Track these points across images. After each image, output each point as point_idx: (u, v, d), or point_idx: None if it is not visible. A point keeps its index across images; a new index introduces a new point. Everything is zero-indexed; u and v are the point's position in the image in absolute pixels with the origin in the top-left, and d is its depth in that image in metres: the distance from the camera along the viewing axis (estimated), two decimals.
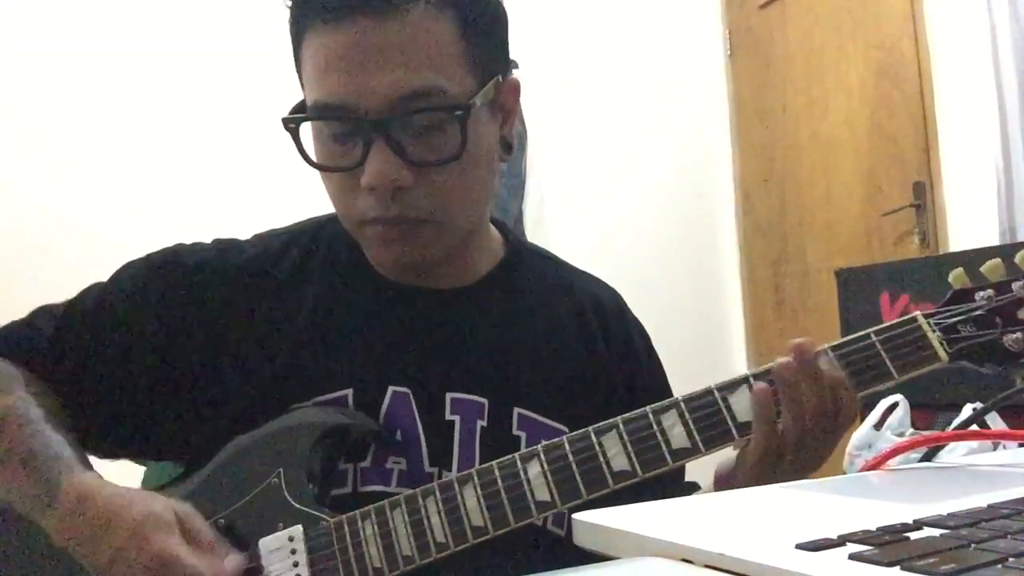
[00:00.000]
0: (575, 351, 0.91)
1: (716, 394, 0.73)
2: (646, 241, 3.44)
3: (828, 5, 3.25)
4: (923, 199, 2.89)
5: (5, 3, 2.63)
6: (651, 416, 0.73)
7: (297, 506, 0.76)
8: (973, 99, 2.68)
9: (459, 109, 0.77)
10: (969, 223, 2.73)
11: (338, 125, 0.79)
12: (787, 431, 0.72)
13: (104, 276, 0.91)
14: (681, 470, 0.88)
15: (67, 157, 2.66)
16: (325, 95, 0.77)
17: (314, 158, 0.82)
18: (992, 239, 2.56)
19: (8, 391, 0.81)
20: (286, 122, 0.80)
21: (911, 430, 2.00)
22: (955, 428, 0.97)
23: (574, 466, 0.72)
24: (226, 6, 2.82)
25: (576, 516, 0.53)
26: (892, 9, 3.00)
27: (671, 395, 0.96)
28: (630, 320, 0.99)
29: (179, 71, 2.76)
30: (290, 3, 0.80)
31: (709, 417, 0.72)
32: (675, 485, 0.92)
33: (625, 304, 1.00)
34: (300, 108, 0.82)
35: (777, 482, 0.72)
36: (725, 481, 0.80)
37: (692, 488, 0.94)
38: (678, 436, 0.72)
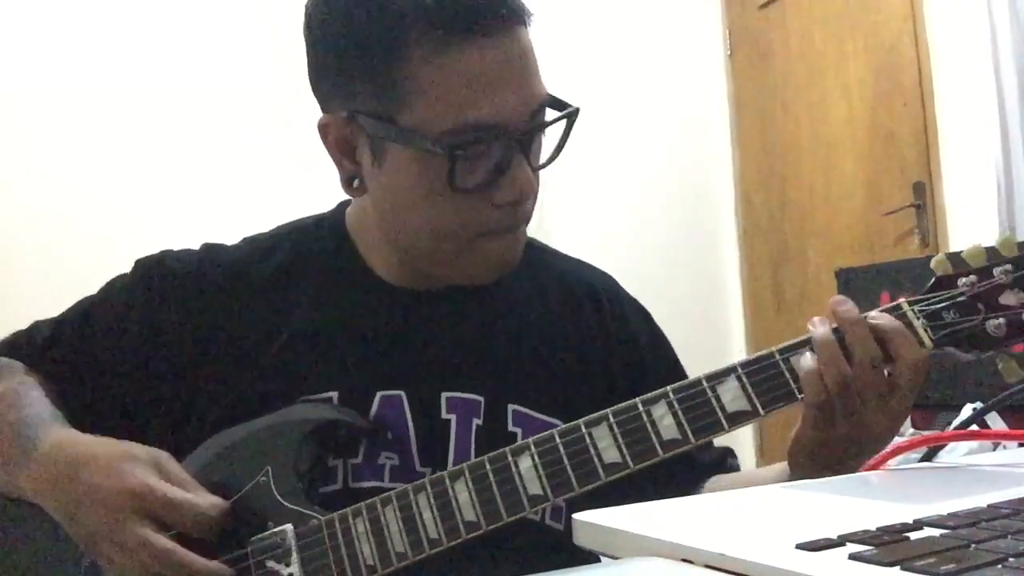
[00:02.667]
0: (570, 343, 0.91)
1: (704, 384, 0.73)
2: (646, 241, 3.44)
3: (828, 5, 3.25)
4: (923, 199, 2.89)
5: (5, 5, 2.63)
6: (641, 407, 0.72)
7: (287, 504, 0.76)
8: (973, 99, 2.68)
9: (575, 113, 0.80)
10: (969, 223, 2.73)
11: (481, 143, 0.75)
12: (835, 393, 0.70)
13: (99, 286, 0.91)
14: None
15: (66, 162, 2.66)
16: (474, 116, 0.74)
17: (418, 181, 0.77)
18: (992, 239, 2.55)
19: (7, 378, 0.84)
20: (452, 148, 0.73)
21: (911, 430, 2.00)
22: (955, 428, 0.97)
23: (565, 459, 0.72)
24: (224, 10, 2.82)
25: (576, 516, 0.53)
26: (892, 9, 2.99)
27: (682, 369, 0.96)
28: (625, 302, 0.98)
29: (178, 72, 2.76)
30: (391, 22, 0.73)
31: (698, 408, 0.72)
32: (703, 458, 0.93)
33: (619, 287, 0.99)
34: (382, 118, 0.76)
35: (837, 464, 0.73)
36: (793, 457, 0.78)
37: (725, 456, 0.95)
38: (668, 427, 0.72)
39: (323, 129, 0.81)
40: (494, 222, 0.79)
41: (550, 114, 0.80)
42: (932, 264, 0.73)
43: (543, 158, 0.82)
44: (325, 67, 0.79)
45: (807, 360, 0.71)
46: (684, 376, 0.95)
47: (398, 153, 0.77)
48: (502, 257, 0.83)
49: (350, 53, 0.76)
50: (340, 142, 0.81)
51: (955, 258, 0.73)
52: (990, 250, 0.73)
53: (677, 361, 0.98)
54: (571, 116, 0.80)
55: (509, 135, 0.75)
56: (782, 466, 0.82)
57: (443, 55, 0.73)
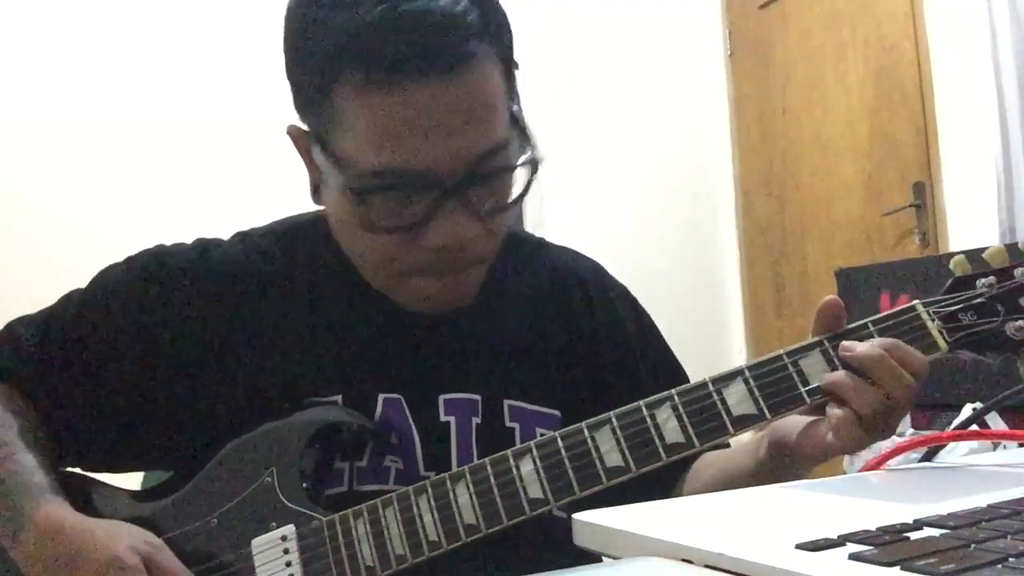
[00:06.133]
0: (561, 334, 0.91)
1: (711, 387, 0.72)
2: (646, 241, 3.44)
3: (828, 5, 3.24)
4: (923, 199, 2.89)
5: (5, 6, 2.63)
6: (645, 410, 0.72)
7: (290, 505, 0.76)
8: (973, 99, 2.68)
9: (532, 163, 0.78)
10: (969, 223, 2.73)
11: (395, 189, 0.74)
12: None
13: (86, 278, 0.89)
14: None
15: (65, 162, 2.66)
16: (393, 161, 0.72)
17: (347, 211, 0.77)
18: (992, 239, 2.56)
19: None
20: (359, 191, 0.74)
21: (911, 430, 2.00)
22: (955, 428, 0.97)
23: (567, 462, 0.71)
24: (224, 10, 2.82)
25: (576, 516, 0.53)
26: (892, 9, 2.99)
27: (670, 354, 0.96)
28: (611, 287, 0.97)
29: (178, 71, 2.77)
30: (321, 55, 0.73)
31: (703, 411, 0.71)
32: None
33: (606, 273, 0.99)
34: (322, 144, 0.77)
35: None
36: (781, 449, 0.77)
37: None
38: (672, 430, 0.71)
39: (290, 136, 0.83)
40: (427, 263, 0.78)
41: (503, 160, 0.77)
42: (951, 264, 0.71)
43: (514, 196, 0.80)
44: (289, 79, 0.80)
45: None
46: (673, 359, 0.96)
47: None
48: (441, 296, 0.81)
49: (296, 76, 0.78)
50: (303, 152, 0.83)
51: (975, 258, 0.71)
52: (1011, 248, 0.70)
53: (666, 346, 0.97)
54: (529, 166, 0.78)
55: (435, 183, 0.73)
56: (748, 444, 0.81)
57: (366, 96, 0.71)
